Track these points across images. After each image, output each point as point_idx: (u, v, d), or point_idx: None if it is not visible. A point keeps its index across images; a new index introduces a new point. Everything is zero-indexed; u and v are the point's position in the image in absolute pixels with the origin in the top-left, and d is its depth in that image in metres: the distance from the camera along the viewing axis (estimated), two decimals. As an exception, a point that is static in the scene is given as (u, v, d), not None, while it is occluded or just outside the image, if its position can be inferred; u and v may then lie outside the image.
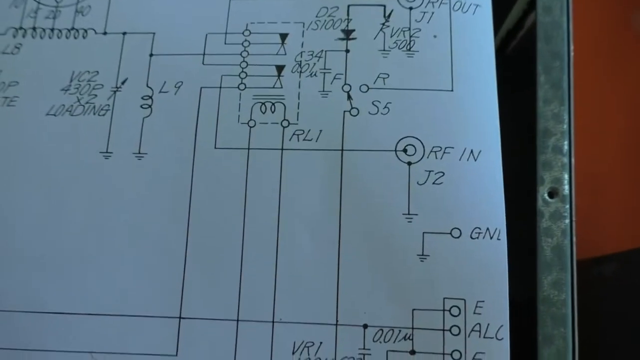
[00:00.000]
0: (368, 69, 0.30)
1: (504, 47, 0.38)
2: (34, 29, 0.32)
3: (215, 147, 0.29)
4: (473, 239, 0.27)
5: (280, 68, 0.30)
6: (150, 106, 0.30)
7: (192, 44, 0.31)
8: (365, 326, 0.27)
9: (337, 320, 0.27)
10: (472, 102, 0.29)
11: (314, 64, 0.30)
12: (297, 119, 0.29)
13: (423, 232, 0.28)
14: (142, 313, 0.28)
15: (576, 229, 0.29)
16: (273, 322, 0.27)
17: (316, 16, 0.31)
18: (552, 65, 0.31)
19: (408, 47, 0.30)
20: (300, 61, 0.30)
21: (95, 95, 0.30)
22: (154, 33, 0.31)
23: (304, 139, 0.29)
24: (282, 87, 0.30)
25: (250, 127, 0.29)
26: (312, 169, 0.29)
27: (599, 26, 0.57)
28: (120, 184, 0.29)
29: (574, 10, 0.32)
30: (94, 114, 0.30)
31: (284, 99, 0.30)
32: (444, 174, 0.28)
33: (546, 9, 0.32)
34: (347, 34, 0.30)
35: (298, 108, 0.30)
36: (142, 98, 0.30)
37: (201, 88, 0.30)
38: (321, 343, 0.27)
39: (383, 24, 0.30)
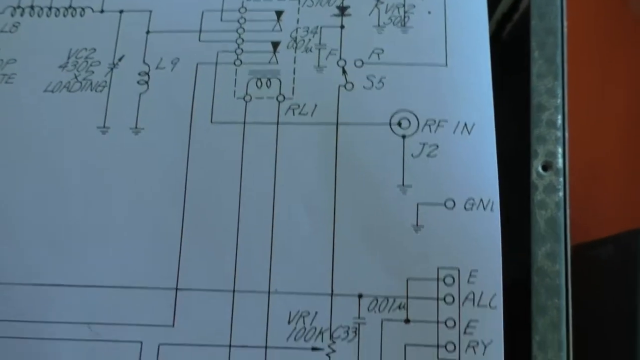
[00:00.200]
0: (363, 44, 0.30)
1: (499, 30, 0.39)
2: (32, 7, 0.32)
3: (211, 122, 0.29)
4: (467, 209, 0.28)
5: (275, 44, 0.30)
6: (147, 82, 0.30)
7: (188, 21, 0.31)
8: (360, 296, 0.27)
9: (332, 290, 0.27)
10: (466, 77, 0.29)
11: (309, 39, 0.30)
12: (293, 94, 0.30)
13: (417, 204, 0.28)
14: (139, 284, 0.28)
15: (571, 214, 0.29)
16: (269, 292, 0.28)
17: None
18: (546, 41, 0.31)
19: (402, 23, 0.30)
20: (296, 37, 0.30)
21: (93, 72, 0.31)
22: (150, 10, 0.31)
23: (299, 113, 0.29)
24: (277, 63, 0.30)
25: (246, 102, 0.30)
26: (307, 143, 0.29)
27: (596, 9, 0.57)
28: (118, 158, 0.29)
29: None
30: (92, 90, 0.30)
31: (279, 74, 0.30)
32: (438, 146, 0.28)
33: (540, -13, 0.32)
34: (342, 10, 0.31)
35: (293, 83, 0.30)
36: (138, 74, 0.30)
37: (197, 64, 0.30)
38: (316, 313, 0.27)
39: (378, 1, 0.31)
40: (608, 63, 0.57)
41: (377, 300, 0.27)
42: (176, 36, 0.31)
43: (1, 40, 0.32)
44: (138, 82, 0.30)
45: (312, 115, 0.29)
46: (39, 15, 0.32)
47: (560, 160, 0.30)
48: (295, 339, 0.27)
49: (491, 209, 0.28)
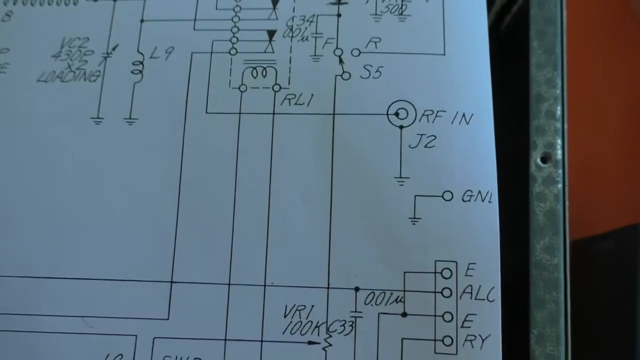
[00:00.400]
0: (360, 33, 0.30)
1: (498, 22, 0.38)
2: None
3: (206, 112, 0.29)
4: (465, 201, 0.27)
5: (271, 33, 0.30)
6: (141, 72, 0.30)
7: (183, 9, 0.31)
8: (356, 289, 0.27)
9: (328, 284, 0.27)
10: (464, 66, 0.29)
11: (306, 28, 0.30)
12: (289, 84, 0.29)
13: (415, 195, 0.28)
14: (134, 277, 0.28)
15: (571, 209, 0.29)
16: (265, 285, 0.27)
17: None
18: (545, 31, 0.31)
19: (400, 12, 0.30)
20: (292, 26, 0.30)
21: (86, 62, 0.30)
22: None
23: (295, 103, 0.29)
24: (273, 52, 0.30)
25: (242, 91, 0.29)
26: (303, 133, 0.29)
27: (597, 6, 0.57)
28: (112, 149, 0.29)
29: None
30: (85, 79, 0.30)
31: (275, 63, 0.30)
32: (435, 137, 0.28)
33: (539, -25, 0.31)
34: (339, -2, 0.30)
35: (289, 72, 0.29)
36: (133, 64, 0.30)
37: (192, 53, 0.30)
38: (313, 306, 0.27)
39: (375, -11, 0.30)
40: (608, 59, 0.56)
41: (374, 294, 0.27)
42: (171, 25, 0.30)
43: None
44: (132, 72, 0.30)
45: (308, 105, 0.29)
46: (32, 4, 0.31)
47: (559, 152, 0.29)
48: (291, 332, 0.27)
49: (489, 201, 0.27)
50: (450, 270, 0.27)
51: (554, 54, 0.31)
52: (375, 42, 0.30)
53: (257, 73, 0.30)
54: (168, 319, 0.27)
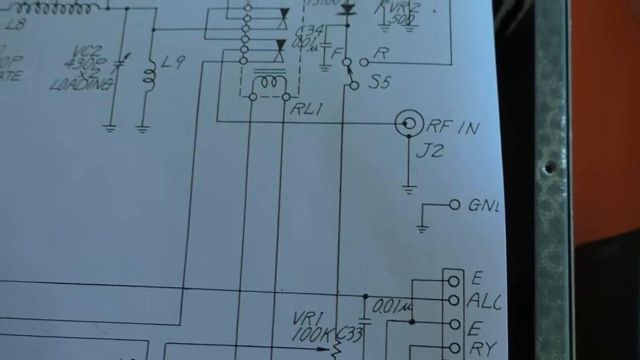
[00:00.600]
0: (368, 43, 0.30)
1: (503, 29, 0.39)
2: (38, 4, 0.32)
3: (217, 120, 0.30)
4: (472, 210, 0.28)
5: (281, 42, 0.31)
6: (152, 80, 0.30)
7: (194, 19, 0.31)
8: (365, 296, 0.28)
9: (337, 291, 0.28)
10: (471, 76, 0.29)
11: (315, 38, 0.30)
12: (298, 93, 0.30)
13: (422, 204, 0.28)
14: (146, 283, 0.28)
15: (575, 214, 0.29)
16: (274, 292, 0.28)
17: None
18: (550, 41, 0.31)
19: (407, 22, 0.30)
20: (301, 35, 0.30)
21: (99, 70, 0.31)
22: (156, 8, 0.31)
23: (304, 112, 0.29)
24: (283, 61, 0.30)
25: (252, 100, 0.30)
26: (312, 142, 0.29)
27: (598, 11, 0.57)
28: (124, 156, 0.29)
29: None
30: (97, 87, 0.30)
31: (284, 72, 0.30)
32: (443, 146, 0.29)
33: (545, -15, 0.32)
34: (347, 8, 0.31)
35: (299, 82, 0.30)
36: (144, 72, 0.30)
37: (203, 62, 0.30)
38: (322, 313, 0.28)
39: (383, -1, 0.31)
40: (609, 63, 0.57)
41: (382, 301, 0.27)
42: (182, 34, 0.31)
43: (7, 37, 0.32)
44: (144, 80, 0.30)
45: (317, 114, 0.29)
46: (44, 12, 0.32)
47: (564, 161, 0.30)
48: (300, 339, 0.27)
49: (496, 210, 0.28)
50: (458, 278, 0.27)
51: (559, 64, 0.31)
52: (383, 52, 0.30)
53: (267, 82, 0.30)
54: (179, 325, 0.28)
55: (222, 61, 0.30)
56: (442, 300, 0.27)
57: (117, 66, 0.31)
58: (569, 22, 0.32)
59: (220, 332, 0.28)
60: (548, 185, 0.30)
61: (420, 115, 0.29)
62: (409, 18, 0.30)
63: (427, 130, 0.29)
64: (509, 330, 0.27)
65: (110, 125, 0.30)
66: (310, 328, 0.28)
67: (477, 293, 0.27)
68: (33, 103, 0.30)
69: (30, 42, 0.32)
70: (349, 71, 0.30)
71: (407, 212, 0.28)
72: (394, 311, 0.27)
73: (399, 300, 0.27)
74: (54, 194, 0.29)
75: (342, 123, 0.29)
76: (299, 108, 0.29)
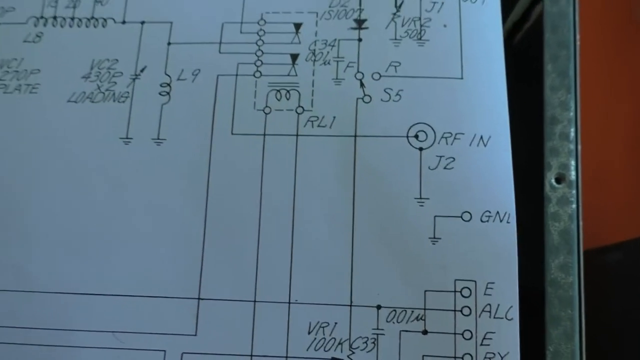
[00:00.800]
0: (380, 57, 0.31)
1: (510, 39, 0.39)
2: (55, 18, 0.33)
3: (232, 133, 0.30)
4: (483, 222, 0.28)
5: (294, 56, 0.31)
6: (168, 93, 0.31)
7: (209, 33, 0.32)
8: (378, 307, 0.28)
9: (351, 302, 0.28)
10: (482, 90, 0.30)
11: (328, 52, 0.31)
12: (312, 106, 0.30)
13: (434, 216, 0.28)
14: (163, 294, 0.29)
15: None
16: (289, 303, 0.28)
17: (329, 6, 0.32)
18: (559, 54, 0.32)
19: (419, 36, 0.31)
20: (314, 50, 0.31)
21: (115, 83, 0.31)
22: (171, 22, 0.32)
23: (318, 125, 0.30)
24: (296, 75, 0.31)
25: (266, 113, 0.30)
26: (326, 155, 0.29)
27: (602, 20, 0.58)
28: (140, 169, 0.30)
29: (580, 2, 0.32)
30: (114, 100, 0.31)
31: (298, 86, 0.30)
32: (454, 159, 0.29)
33: (553, 0, 0.32)
34: (360, 23, 0.31)
35: (312, 95, 0.30)
36: (160, 85, 0.31)
37: (218, 76, 0.31)
38: (336, 323, 0.28)
39: (394, 14, 0.31)
40: (613, 69, 0.57)
41: (395, 312, 0.28)
42: (197, 48, 0.31)
43: (25, 50, 0.32)
44: (160, 93, 0.31)
45: (330, 127, 0.30)
46: (61, 26, 0.32)
47: (573, 173, 0.30)
48: (315, 349, 0.28)
49: (507, 222, 0.28)
50: (470, 289, 0.28)
51: (567, 77, 0.31)
52: (395, 66, 0.30)
53: (280, 95, 0.30)
54: (196, 335, 0.28)
55: (236, 75, 0.31)
56: (455, 311, 0.28)
57: (134, 79, 0.31)
58: (577, 37, 0.32)
59: (235, 342, 0.28)
60: (557, 196, 0.30)
61: (432, 128, 0.29)
62: (420, 32, 0.31)
63: (438, 143, 0.29)
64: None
65: (127, 138, 0.30)
66: (324, 338, 0.28)
67: (489, 304, 0.28)
68: (50, 116, 0.31)
69: (48, 55, 0.32)
70: (362, 85, 0.30)
71: (420, 224, 0.29)
72: (407, 322, 0.28)
73: (412, 311, 0.28)
74: (71, 205, 0.30)
75: (355, 136, 0.30)
76: (312, 121, 0.30)
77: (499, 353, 0.27)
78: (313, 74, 0.31)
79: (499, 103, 0.30)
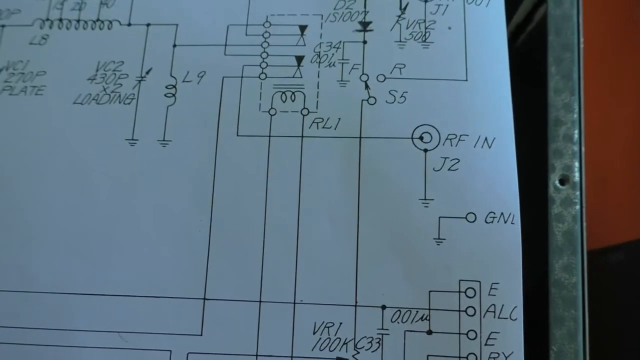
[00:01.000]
0: (385, 59, 0.31)
1: (513, 40, 0.39)
2: (61, 20, 0.33)
3: (237, 135, 0.30)
4: (488, 223, 0.28)
5: (299, 58, 0.31)
6: (174, 95, 0.31)
7: (214, 35, 0.32)
8: (383, 307, 0.28)
9: (356, 302, 0.28)
10: (486, 91, 0.30)
11: (333, 54, 0.31)
12: (317, 108, 0.30)
13: (439, 217, 0.29)
14: (168, 294, 0.29)
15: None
16: (294, 303, 0.28)
17: (334, 8, 0.32)
18: (563, 57, 0.32)
19: (423, 39, 0.31)
20: (319, 52, 0.31)
21: (121, 85, 0.31)
22: (177, 24, 0.32)
23: (323, 127, 0.30)
24: (301, 77, 0.31)
25: (271, 115, 0.30)
26: (331, 156, 0.30)
27: (604, 21, 0.58)
28: (146, 170, 0.30)
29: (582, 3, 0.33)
30: (120, 102, 0.31)
31: (303, 88, 0.31)
32: (459, 160, 0.29)
33: (557, 2, 0.32)
34: (364, 25, 0.31)
35: (317, 97, 0.30)
36: (166, 87, 0.31)
37: (223, 77, 0.31)
38: (341, 323, 0.28)
39: (399, 16, 0.31)
40: (615, 70, 0.57)
41: (400, 312, 0.28)
42: (202, 50, 0.32)
43: (31, 53, 0.32)
44: (165, 95, 0.31)
45: (335, 129, 0.30)
46: (67, 28, 0.32)
47: (577, 174, 0.30)
48: (320, 349, 0.28)
49: (512, 222, 0.28)
50: (474, 290, 0.28)
51: (571, 79, 0.32)
52: (400, 68, 0.31)
53: (286, 97, 0.31)
54: (201, 335, 0.28)
55: (242, 76, 0.31)
56: (459, 311, 0.28)
57: (139, 81, 0.31)
58: (581, 40, 0.32)
59: (241, 342, 0.28)
60: (561, 198, 0.30)
61: (437, 130, 0.30)
62: (425, 35, 0.31)
63: (443, 144, 0.29)
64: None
65: (133, 139, 0.30)
66: (329, 338, 0.28)
67: (494, 304, 0.28)
68: (56, 117, 0.31)
69: (54, 57, 0.32)
70: (367, 87, 0.30)
71: (424, 225, 0.29)
72: (411, 322, 0.28)
73: (417, 311, 0.28)
74: (76, 206, 0.30)
75: (360, 137, 0.30)
76: (317, 123, 0.30)
77: (503, 353, 0.27)
78: (318, 76, 0.31)
79: (503, 105, 0.30)
